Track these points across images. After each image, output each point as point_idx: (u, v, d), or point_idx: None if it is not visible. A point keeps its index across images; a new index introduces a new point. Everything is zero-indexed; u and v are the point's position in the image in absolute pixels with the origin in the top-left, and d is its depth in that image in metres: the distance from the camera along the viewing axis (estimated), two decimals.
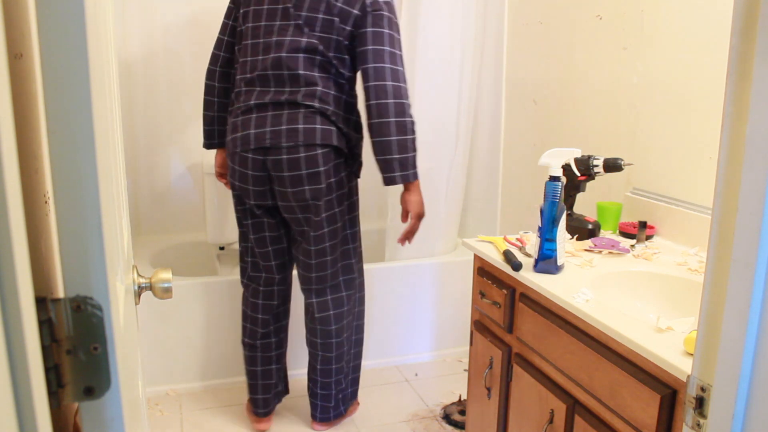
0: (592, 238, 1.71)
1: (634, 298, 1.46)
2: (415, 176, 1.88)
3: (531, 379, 1.49)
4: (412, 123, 1.85)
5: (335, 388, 2.13)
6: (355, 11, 1.81)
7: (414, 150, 1.86)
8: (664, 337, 1.14)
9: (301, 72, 1.83)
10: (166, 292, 0.92)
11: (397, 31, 1.87)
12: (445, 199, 2.70)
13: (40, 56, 0.49)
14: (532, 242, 1.56)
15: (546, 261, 1.47)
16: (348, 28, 1.82)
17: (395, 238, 2.70)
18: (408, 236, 1.99)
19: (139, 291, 0.93)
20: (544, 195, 1.47)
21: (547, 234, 1.46)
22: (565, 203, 1.72)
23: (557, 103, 2.35)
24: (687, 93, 1.73)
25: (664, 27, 1.80)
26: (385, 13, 1.82)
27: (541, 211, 1.47)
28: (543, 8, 2.39)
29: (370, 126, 1.84)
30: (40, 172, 0.64)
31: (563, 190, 1.49)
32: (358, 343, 2.22)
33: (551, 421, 1.41)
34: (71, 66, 0.49)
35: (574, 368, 1.33)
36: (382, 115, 1.81)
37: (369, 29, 1.81)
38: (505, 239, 1.72)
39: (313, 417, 2.18)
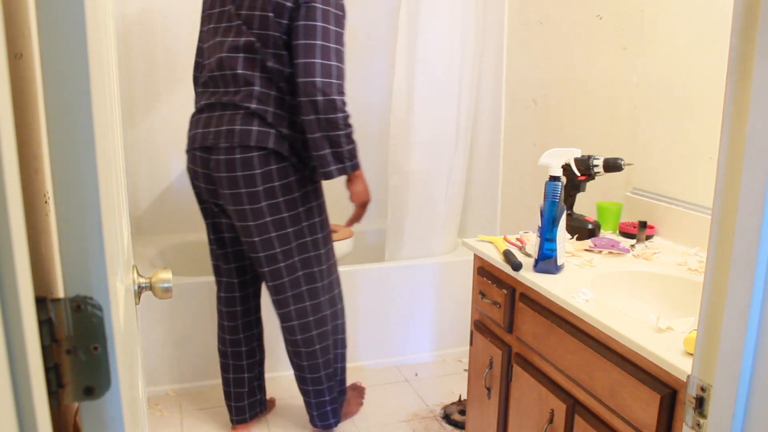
0: (592, 238, 1.71)
1: (634, 298, 1.46)
2: (354, 167, 1.85)
3: (531, 379, 1.49)
4: (345, 118, 1.80)
5: (315, 397, 2.09)
6: (289, 4, 1.75)
7: (350, 143, 1.82)
8: (664, 337, 1.14)
9: (239, 72, 1.81)
10: (166, 292, 0.92)
11: (337, 24, 1.79)
12: (445, 198, 2.71)
13: (40, 56, 0.49)
14: (532, 242, 1.56)
15: (546, 261, 1.47)
16: (284, 22, 1.77)
17: (395, 237, 2.70)
18: (354, 221, 2.02)
19: (140, 291, 0.93)
20: (544, 195, 1.47)
21: (547, 234, 1.46)
22: (565, 203, 1.72)
23: (557, 103, 2.35)
24: (687, 93, 1.73)
25: (664, 27, 1.80)
26: (319, 6, 1.75)
27: (541, 211, 1.47)
28: (543, 8, 2.39)
29: (303, 123, 1.80)
30: (40, 172, 0.64)
31: (563, 190, 1.49)
32: (341, 358, 2.15)
33: (551, 421, 1.41)
34: (71, 66, 0.49)
35: (574, 368, 1.33)
36: (311, 112, 1.76)
37: (301, 23, 1.75)
38: (505, 239, 1.72)
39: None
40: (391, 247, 2.71)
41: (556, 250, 1.46)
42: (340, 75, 1.79)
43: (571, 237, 1.75)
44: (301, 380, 2.08)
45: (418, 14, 2.49)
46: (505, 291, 1.58)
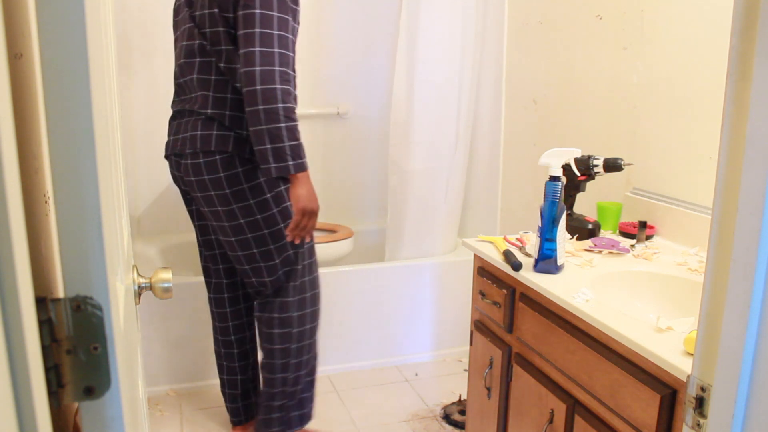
0: (592, 238, 1.71)
1: (634, 298, 1.46)
2: (298, 168, 1.70)
3: (531, 379, 1.49)
4: (286, 109, 1.66)
5: (265, 400, 2.00)
6: None
7: (292, 139, 1.68)
8: (664, 337, 1.14)
9: (195, 77, 1.80)
10: (167, 292, 0.92)
11: (280, 9, 1.66)
12: (445, 198, 2.70)
13: (40, 56, 0.49)
14: (532, 242, 1.56)
15: (546, 261, 1.47)
16: (230, 15, 1.71)
17: (395, 237, 2.70)
18: (294, 232, 1.79)
19: (140, 291, 0.93)
20: (544, 195, 1.47)
21: (547, 234, 1.46)
22: (565, 203, 1.72)
23: (557, 103, 2.35)
24: (687, 93, 1.73)
25: (664, 27, 1.80)
26: None
27: (541, 211, 1.47)
28: (543, 8, 2.39)
29: (246, 115, 1.71)
30: (40, 172, 0.64)
31: (563, 190, 1.49)
32: (305, 364, 2.01)
33: (551, 420, 1.41)
34: (71, 66, 0.49)
35: (574, 368, 1.33)
36: (251, 103, 1.66)
37: (240, 12, 1.66)
38: (505, 239, 1.72)
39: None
40: (390, 247, 2.71)
41: (556, 250, 1.46)
42: (284, 62, 1.67)
43: (571, 237, 1.75)
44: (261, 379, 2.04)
45: (418, 14, 2.49)
46: (505, 291, 1.58)
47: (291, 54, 1.70)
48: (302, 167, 1.72)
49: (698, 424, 0.68)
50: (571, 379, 1.35)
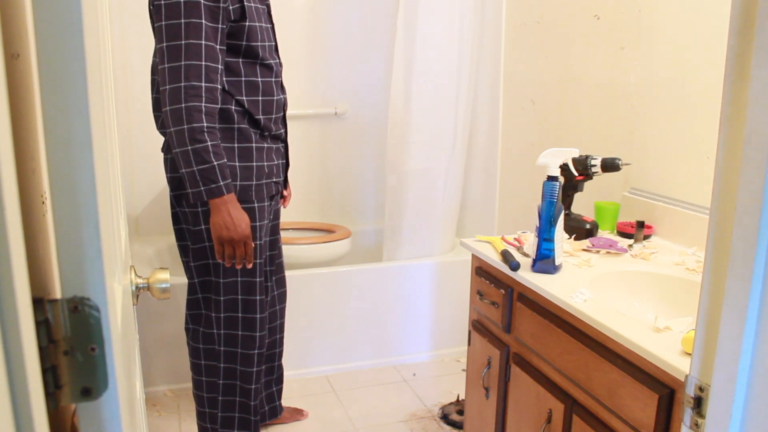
0: (590, 238, 1.71)
1: (632, 297, 1.47)
2: (211, 193, 1.60)
3: (529, 379, 1.49)
4: (191, 130, 1.56)
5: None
6: (151, 6, 1.61)
7: (201, 163, 1.58)
8: (662, 337, 1.14)
9: (153, 96, 1.75)
10: (164, 293, 0.92)
11: (189, 14, 1.53)
12: (442, 198, 2.71)
13: (37, 56, 0.49)
14: (530, 242, 1.56)
15: (544, 261, 1.47)
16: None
17: (393, 237, 2.70)
18: (219, 257, 1.71)
19: (137, 291, 0.93)
20: (542, 195, 1.47)
21: (545, 234, 1.46)
22: (563, 203, 1.72)
23: (555, 103, 2.35)
24: (685, 92, 1.74)
25: (661, 26, 1.81)
26: (162, 2, 1.54)
27: (539, 211, 1.47)
28: (540, 8, 2.39)
29: None
30: (37, 173, 0.64)
31: (561, 190, 1.49)
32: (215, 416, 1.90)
33: (549, 420, 1.41)
34: (68, 66, 0.49)
35: (572, 368, 1.33)
36: (164, 125, 1.61)
37: (154, 24, 1.58)
38: (503, 239, 1.72)
39: None
40: (388, 247, 2.71)
41: (554, 250, 1.46)
42: (192, 75, 1.55)
43: (569, 237, 1.75)
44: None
45: (416, 14, 2.49)
46: (503, 291, 1.58)
47: (202, 63, 1.56)
48: (215, 192, 1.61)
49: (696, 424, 0.68)
50: (569, 379, 1.35)
